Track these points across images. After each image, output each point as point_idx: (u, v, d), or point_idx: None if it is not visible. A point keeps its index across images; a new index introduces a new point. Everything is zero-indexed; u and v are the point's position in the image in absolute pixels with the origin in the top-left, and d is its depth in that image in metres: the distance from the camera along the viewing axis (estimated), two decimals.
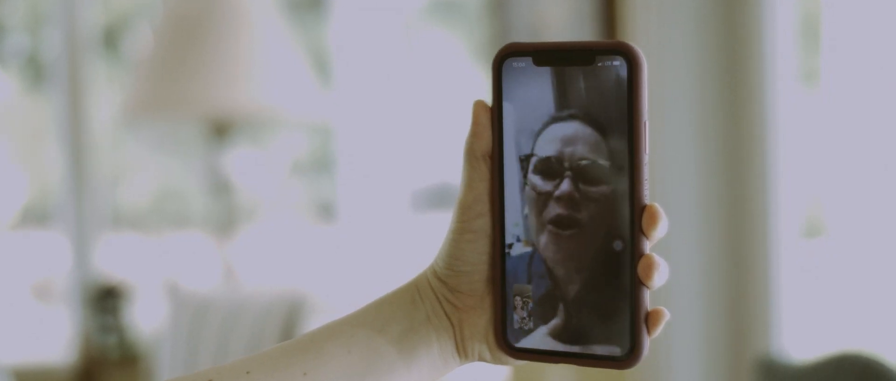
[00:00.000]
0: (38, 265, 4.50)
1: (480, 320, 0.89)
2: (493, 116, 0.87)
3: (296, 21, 4.37)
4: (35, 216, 4.52)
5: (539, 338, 0.87)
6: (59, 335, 4.36)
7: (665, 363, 2.72)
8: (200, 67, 3.55)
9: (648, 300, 0.85)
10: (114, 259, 4.35)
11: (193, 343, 3.21)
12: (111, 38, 4.51)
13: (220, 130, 3.78)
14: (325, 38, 4.45)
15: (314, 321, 3.03)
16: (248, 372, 0.85)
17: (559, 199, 0.85)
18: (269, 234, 4.41)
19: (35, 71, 4.50)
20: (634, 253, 0.84)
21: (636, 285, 0.84)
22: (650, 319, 0.85)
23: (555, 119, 0.85)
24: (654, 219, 0.84)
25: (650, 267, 0.84)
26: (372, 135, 4.30)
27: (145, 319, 4.24)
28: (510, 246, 0.87)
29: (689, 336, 2.70)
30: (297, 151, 4.64)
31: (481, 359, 0.90)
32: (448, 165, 4.22)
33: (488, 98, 0.88)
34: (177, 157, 4.59)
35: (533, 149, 0.85)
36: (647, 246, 0.84)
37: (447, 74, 4.29)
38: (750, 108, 2.65)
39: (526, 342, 0.88)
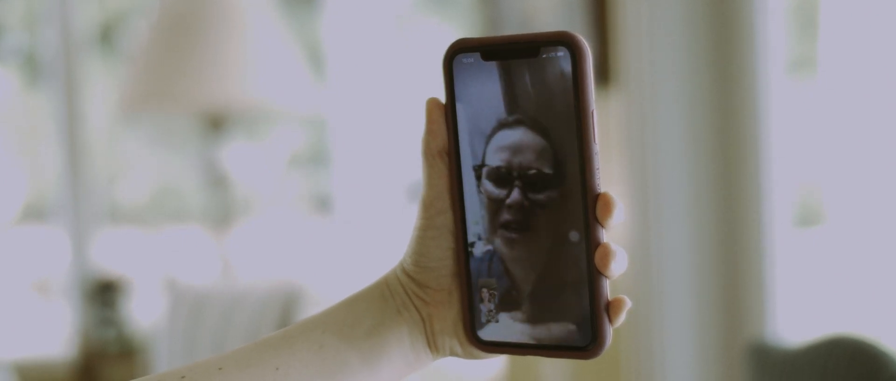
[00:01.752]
0: (38, 261, 4.51)
1: (449, 314, 0.90)
2: (447, 113, 0.88)
3: (289, 15, 4.38)
4: (34, 213, 4.53)
5: (506, 331, 0.88)
6: (58, 330, 4.38)
7: (659, 350, 2.73)
8: (195, 62, 3.56)
9: (608, 290, 0.85)
10: (112, 254, 4.36)
11: (191, 337, 3.22)
12: (107, 36, 4.52)
13: (216, 125, 3.79)
14: (319, 32, 4.46)
15: (311, 314, 3.03)
16: (220, 369, 0.85)
17: (510, 207, 0.86)
18: (266, 227, 4.41)
19: (32, 69, 4.51)
20: (590, 244, 0.84)
21: (595, 275, 0.84)
22: (611, 308, 0.85)
23: (503, 125, 0.85)
24: (607, 207, 0.84)
25: (607, 256, 0.84)
26: (367, 127, 4.31)
27: (143, 313, 4.25)
28: (472, 244, 0.88)
29: (681, 322, 2.71)
30: (293, 145, 4.65)
31: (453, 354, 0.91)
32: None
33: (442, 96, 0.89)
34: (173, 152, 4.60)
35: (484, 157, 0.86)
36: (604, 235, 0.85)
37: (440, 66, 4.29)
38: (742, 96, 2.66)
39: (493, 336, 0.88)
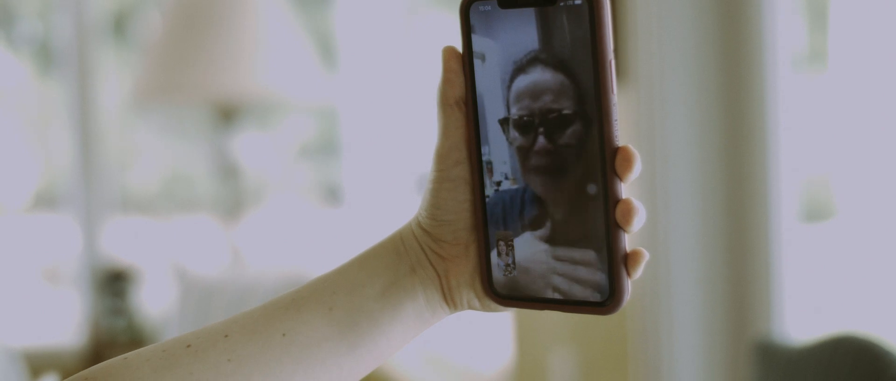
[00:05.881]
0: (48, 249, 4.52)
1: (466, 268, 0.88)
2: (463, 61, 0.86)
3: (301, 6, 4.38)
4: (45, 200, 4.54)
5: (523, 285, 0.87)
6: (68, 318, 4.39)
7: (666, 346, 2.73)
8: (207, 52, 3.56)
9: (627, 243, 0.84)
10: (122, 243, 4.37)
11: (201, 326, 3.22)
12: (120, 24, 4.52)
13: (227, 115, 3.80)
14: (330, 23, 4.46)
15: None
16: (226, 335, 0.83)
17: (538, 152, 0.85)
18: (276, 217, 4.42)
19: (46, 56, 4.52)
20: (609, 197, 0.83)
21: (613, 228, 0.83)
22: (629, 261, 0.84)
23: (522, 69, 0.84)
24: (627, 161, 0.82)
25: (629, 211, 0.82)
26: (377, 118, 4.31)
27: (153, 301, 4.26)
28: (499, 184, 0.87)
29: (688, 319, 2.71)
30: (304, 135, 4.65)
31: (470, 307, 0.89)
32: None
33: (458, 44, 0.87)
34: (184, 141, 4.61)
35: (507, 105, 0.85)
36: (623, 189, 0.83)
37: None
38: (751, 91, 2.65)
39: (510, 290, 0.87)
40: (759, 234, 2.66)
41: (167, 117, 4.52)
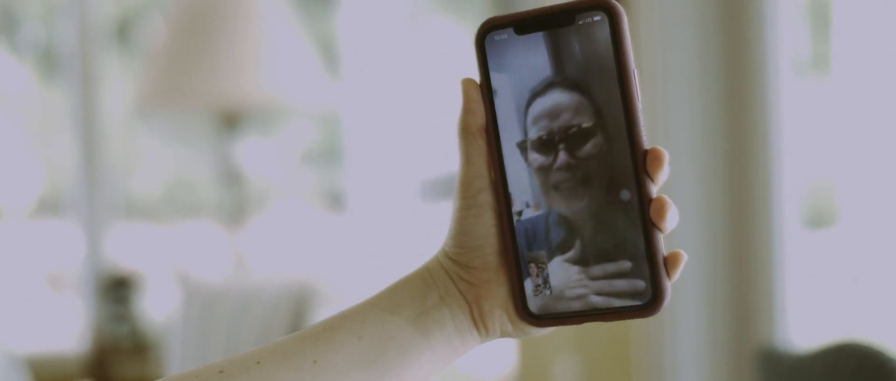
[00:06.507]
0: (51, 255, 4.52)
1: (498, 293, 0.89)
2: (483, 91, 0.88)
3: (304, 11, 4.38)
4: (48, 206, 4.54)
5: (560, 302, 0.87)
6: (71, 325, 4.39)
7: (669, 353, 2.72)
8: (211, 58, 3.57)
9: (664, 245, 0.85)
10: (125, 249, 4.37)
11: (204, 332, 3.22)
12: (124, 30, 4.53)
13: (231, 121, 3.80)
14: (334, 28, 4.46)
15: (324, 311, 3.04)
16: (258, 362, 0.85)
17: (558, 169, 0.86)
18: (279, 223, 4.42)
19: (49, 62, 4.52)
20: (643, 199, 0.84)
21: (650, 230, 0.84)
22: (669, 262, 0.85)
23: (539, 92, 0.86)
24: (658, 160, 0.84)
25: (662, 208, 0.84)
26: (380, 124, 4.31)
27: (156, 308, 4.26)
28: (520, 213, 0.88)
29: (691, 326, 2.71)
30: (307, 141, 4.66)
31: (503, 333, 0.90)
32: (457, 156, 4.22)
33: (476, 75, 0.89)
34: (188, 147, 4.61)
35: (525, 129, 0.87)
36: (654, 190, 0.85)
37: (455, 63, 4.29)
38: (754, 96, 2.65)
39: (547, 309, 0.88)
40: (762, 240, 2.65)
41: (170, 123, 4.52)
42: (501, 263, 0.89)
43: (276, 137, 4.55)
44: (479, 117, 0.88)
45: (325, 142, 4.68)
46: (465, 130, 0.88)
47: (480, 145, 0.88)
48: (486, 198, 0.88)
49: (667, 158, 0.84)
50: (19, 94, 4.58)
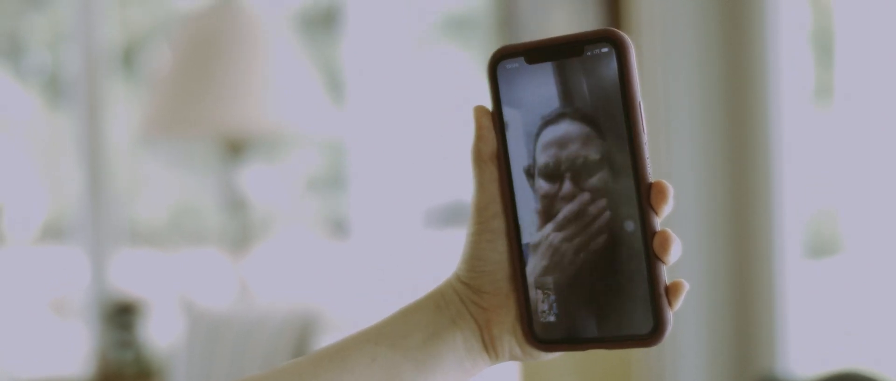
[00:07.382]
0: (56, 281, 4.52)
1: (508, 317, 0.91)
2: (494, 119, 0.90)
3: (309, 39, 4.39)
4: (53, 232, 4.55)
5: (565, 328, 0.89)
6: (75, 351, 4.39)
7: (670, 380, 2.72)
8: (216, 86, 3.58)
9: (666, 275, 0.87)
10: (130, 275, 4.37)
11: (208, 359, 3.22)
12: (129, 57, 4.54)
13: (235, 148, 3.81)
14: (339, 56, 4.47)
15: (328, 338, 3.04)
16: None
17: (563, 199, 0.88)
18: (284, 250, 4.42)
19: (54, 88, 4.53)
20: (646, 231, 0.86)
21: (653, 262, 0.86)
22: (670, 292, 0.87)
23: (549, 121, 0.88)
24: (662, 194, 0.86)
25: (666, 242, 0.86)
26: (385, 152, 4.31)
27: (161, 334, 4.26)
28: (527, 244, 0.89)
29: (692, 355, 2.70)
30: (311, 168, 4.66)
31: (512, 356, 0.92)
32: (462, 183, 4.22)
33: (488, 103, 0.91)
34: (192, 174, 4.62)
35: (534, 156, 0.88)
36: (658, 223, 0.86)
37: (460, 91, 4.30)
38: (757, 125, 2.65)
39: (553, 334, 0.89)
40: (764, 268, 2.66)
41: (175, 150, 4.53)
42: (512, 288, 0.91)
43: (280, 164, 4.55)
44: (491, 144, 0.90)
45: (329, 169, 4.68)
46: (478, 157, 0.90)
47: (493, 172, 0.90)
48: (500, 224, 0.90)
49: (671, 192, 0.86)
50: (25, 120, 4.59)
